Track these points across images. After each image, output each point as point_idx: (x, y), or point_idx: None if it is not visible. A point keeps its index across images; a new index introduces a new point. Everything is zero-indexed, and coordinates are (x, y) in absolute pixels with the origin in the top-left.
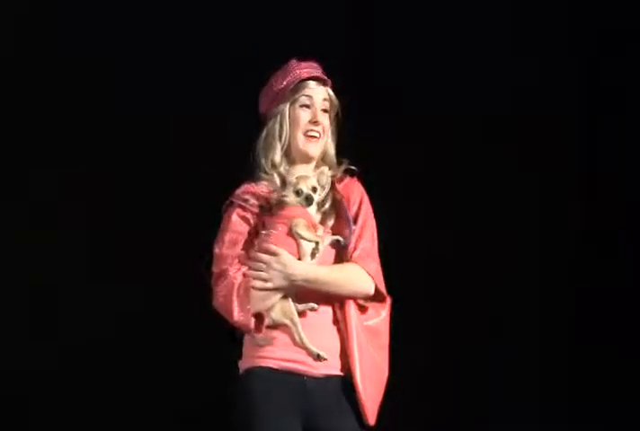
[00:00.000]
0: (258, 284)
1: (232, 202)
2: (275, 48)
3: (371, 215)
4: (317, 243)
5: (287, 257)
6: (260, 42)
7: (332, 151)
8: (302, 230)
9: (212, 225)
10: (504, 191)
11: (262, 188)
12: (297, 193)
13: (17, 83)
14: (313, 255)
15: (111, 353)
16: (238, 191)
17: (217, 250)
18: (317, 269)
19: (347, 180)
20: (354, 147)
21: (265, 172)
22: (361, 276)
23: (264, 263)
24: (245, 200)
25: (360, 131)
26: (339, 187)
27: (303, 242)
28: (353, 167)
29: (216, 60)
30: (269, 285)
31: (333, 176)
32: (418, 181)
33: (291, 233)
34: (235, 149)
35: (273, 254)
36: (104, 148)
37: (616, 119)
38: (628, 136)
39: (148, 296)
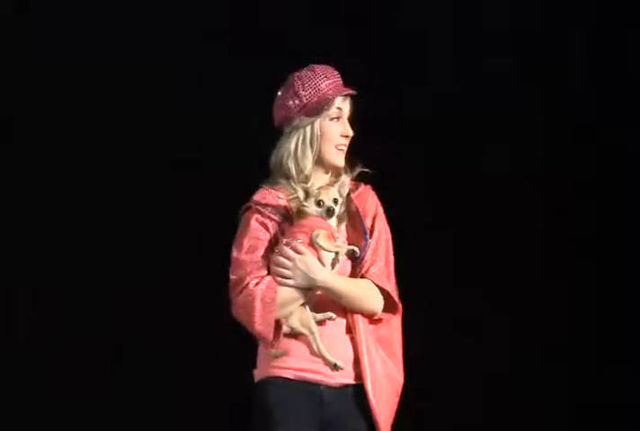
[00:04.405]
0: (279, 280)
1: (250, 207)
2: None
3: (386, 227)
4: (337, 253)
5: (311, 259)
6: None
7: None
8: (323, 240)
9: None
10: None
11: (279, 193)
12: (319, 204)
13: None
14: (333, 265)
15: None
16: (256, 196)
17: (235, 255)
18: (338, 279)
19: (361, 188)
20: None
21: (287, 179)
22: (375, 295)
23: (290, 260)
24: (264, 206)
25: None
26: (353, 196)
27: (323, 253)
28: (367, 169)
29: None
30: (290, 282)
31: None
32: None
33: (312, 244)
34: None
35: (299, 253)
36: None
37: None
38: None
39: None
